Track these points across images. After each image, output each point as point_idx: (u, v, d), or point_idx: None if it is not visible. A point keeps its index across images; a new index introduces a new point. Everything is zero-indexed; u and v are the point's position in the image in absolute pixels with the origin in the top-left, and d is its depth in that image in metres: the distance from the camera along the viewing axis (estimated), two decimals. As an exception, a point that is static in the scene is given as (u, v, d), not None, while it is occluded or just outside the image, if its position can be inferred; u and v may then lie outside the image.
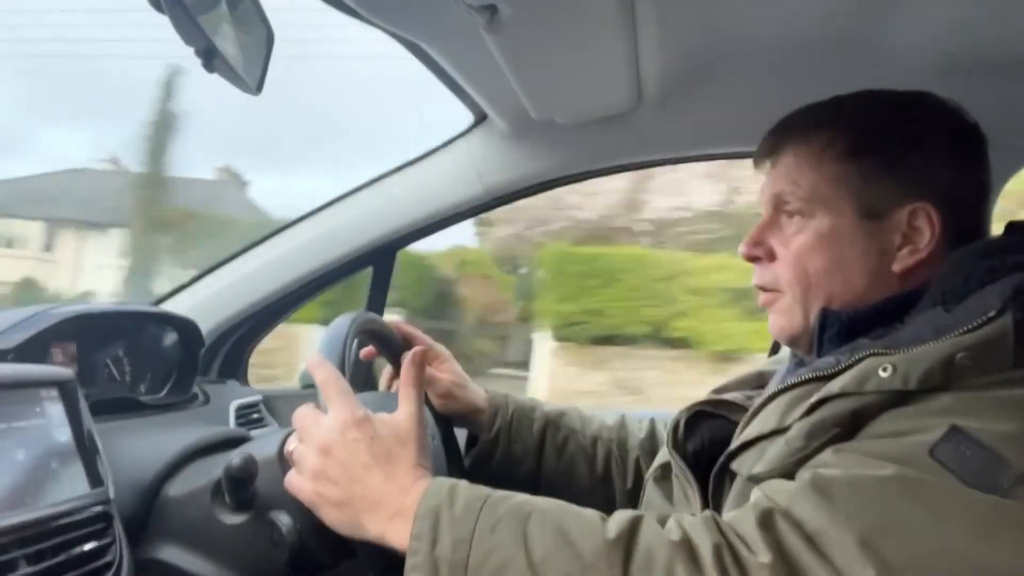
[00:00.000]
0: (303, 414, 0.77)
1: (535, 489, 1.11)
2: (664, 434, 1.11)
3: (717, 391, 0.97)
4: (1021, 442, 0.58)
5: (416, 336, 1.11)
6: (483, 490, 0.70)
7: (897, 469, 0.59)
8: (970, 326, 0.63)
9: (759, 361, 1.07)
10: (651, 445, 1.11)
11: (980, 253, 0.72)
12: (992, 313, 0.63)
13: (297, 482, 0.75)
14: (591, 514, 0.68)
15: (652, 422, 1.14)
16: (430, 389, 1.09)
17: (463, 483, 0.71)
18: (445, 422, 1.09)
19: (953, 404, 0.61)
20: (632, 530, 0.65)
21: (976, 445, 0.59)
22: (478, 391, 1.13)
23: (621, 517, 0.67)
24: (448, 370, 1.10)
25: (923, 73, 0.84)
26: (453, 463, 1.04)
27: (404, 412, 0.78)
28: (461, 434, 1.14)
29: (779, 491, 0.64)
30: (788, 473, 0.66)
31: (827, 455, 0.64)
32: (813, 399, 0.68)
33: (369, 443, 0.74)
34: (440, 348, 1.13)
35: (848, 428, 0.65)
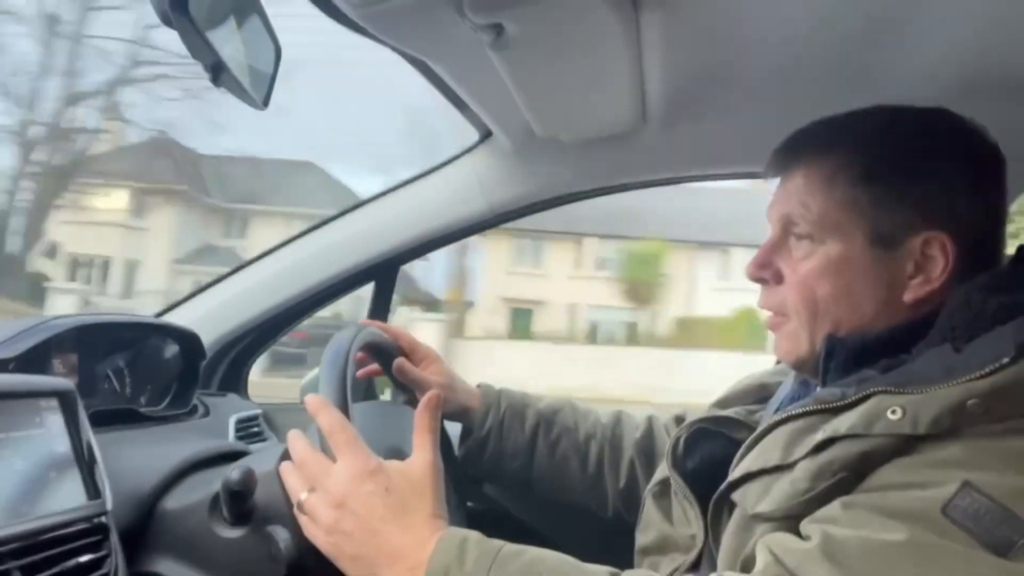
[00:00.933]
0: (310, 460, 0.76)
1: (527, 486, 1.12)
2: (662, 434, 1.11)
3: (718, 405, 0.97)
4: None
5: (402, 336, 1.10)
6: (493, 546, 0.70)
7: (909, 532, 0.58)
8: (982, 372, 0.61)
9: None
10: (647, 445, 1.10)
11: (990, 288, 0.70)
12: (1006, 360, 0.61)
13: (312, 531, 0.75)
14: (598, 572, 0.68)
15: (650, 420, 1.14)
16: (419, 392, 1.08)
17: (474, 538, 0.71)
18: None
19: (964, 455, 0.59)
20: None
21: (989, 501, 0.57)
22: (468, 389, 1.13)
23: None
24: (437, 371, 1.10)
25: (931, 94, 0.83)
26: (447, 460, 1.04)
27: (420, 460, 0.77)
28: (454, 426, 1.14)
29: (788, 551, 0.62)
30: (793, 515, 0.65)
31: (836, 509, 0.62)
32: (819, 436, 0.66)
33: (384, 495, 0.73)
34: (428, 349, 1.12)
35: (855, 472, 0.63)
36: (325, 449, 0.76)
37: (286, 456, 0.81)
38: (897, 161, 0.76)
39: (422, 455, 0.77)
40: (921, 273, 0.74)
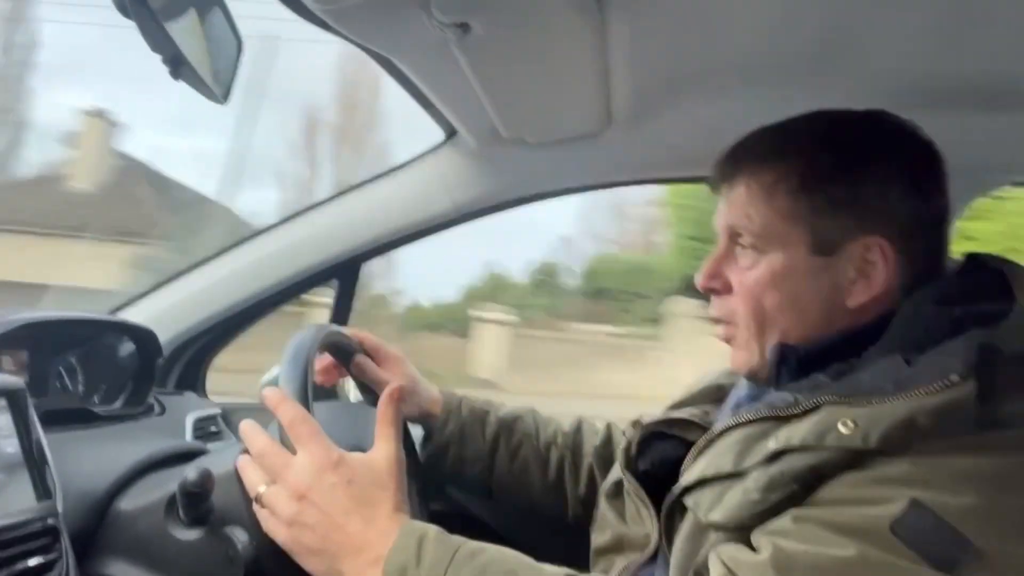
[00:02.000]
0: (269, 452, 0.75)
1: (488, 491, 1.12)
2: (621, 439, 1.11)
3: (674, 407, 0.97)
4: (980, 517, 0.58)
5: (368, 339, 1.09)
6: (451, 545, 0.70)
7: (858, 548, 0.59)
8: (932, 388, 0.62)
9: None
10: (606, 452, 1.11)
11: (940, 299, 0.71)
12: (955, 377, 0.62)
13: (271, 525, 0.74)
14: (556, 574, 0.69)
15: (609, 428, 1.14)
16: (381, 392, 1.08)
17: (432, 535, 0.71)
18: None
19: (913, 473, 0.60)
20: None
21: (936, 520, 0.58)
22: (431, 393, 1.12)
23: None
24: (400, 373, 1.09)
25: (893, 97, 0.85)
26: (410, 462, 1.04)
27: (382, 452, 0.77)
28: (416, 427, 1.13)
29: (740, 564, 0.63)
30: (745, 526, 0.66)
31: (787, 522, 0.63)
32: (771, 446, 0.66)
33: (347, 487, 0.73)
34: (392, 351, 1.12)
35: (806, 484, 0.64)
36: (284, 442, 0.76)
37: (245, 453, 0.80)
38: (834, 168, 0.77)
39: (384, 447, 0.77)
40: (862, 278, 0.75)
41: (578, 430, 1.15)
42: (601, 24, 0.88)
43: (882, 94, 0.86)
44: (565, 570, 0.69)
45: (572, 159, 1.35)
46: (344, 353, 1.06)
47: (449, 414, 1.11)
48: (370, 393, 1.09)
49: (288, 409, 0.76)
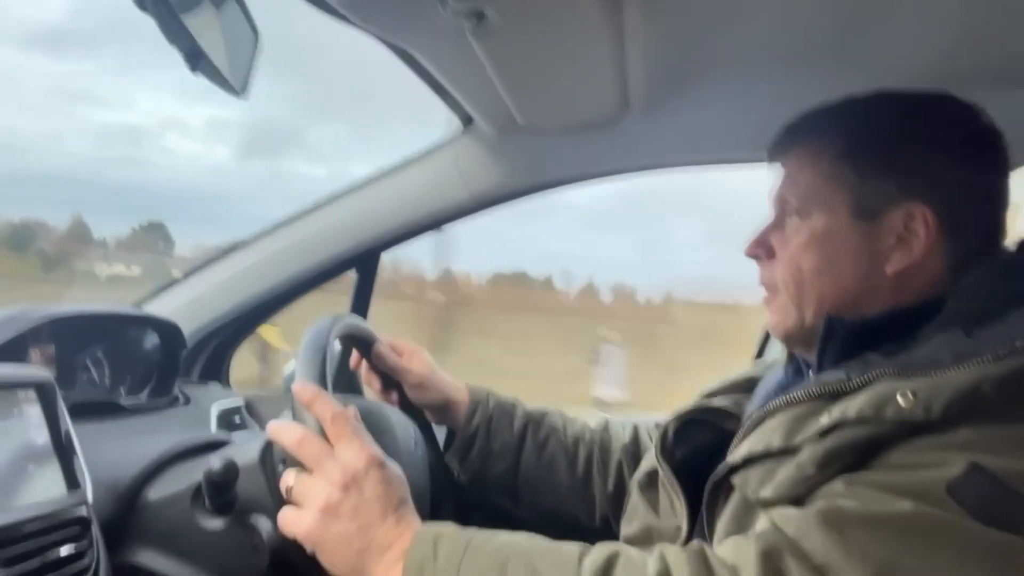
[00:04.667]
0: (310, 441, 0.75)
1: (514, 487, 1.10)
2: (647, 441, 1.10)
3: (707, 396, 0.96)
4: None
5: (387, 340, 1.09)
6: (464, 537, 0.71)
7: (914, 505, 0.57)
8: (995, 356, 0.60)
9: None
10: (635, 450, 1.10)
11: (1003, 273, 0.70)
12: (1020, 343, 0.61)
13: (294, 517, 0.74)
14: (568, 551, 0.68)
15: (635, 428, 1.13)
16: (403, 380, 1.08)
17: (447, 531, 0.72)
18: (422, 418, 1.09)
19: (974, 438, 0.59)
20: (607, 567, 0.65)
21: (996, 483, 0.57)
22: (454, 383, 1.12)
23: (597, 554, 0.67)
24: (419, 362, 1.09)
25: (911, 80, 0.84)
26: (435, 463, 1.04)
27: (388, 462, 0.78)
28: (439, 433, 1.13)
29: (787, 520, 0.62)
30: (798, 499, 0.64)
31: (839, 485, 0.62)
32: (825, 421, 0.65)
33: (388, 486, 0.74)
34: (411, 344, 1.12)
35: (862, 456, 0.63)
36: (323, 435, 0.76)
37: (268, 448, 0.81)
38: (881, 135, 0.77)
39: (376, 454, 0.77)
40: (903, 246, 0.74)
41: (605, 428, 1.14)
42: (617, 10, 0.87)
43: (900, 78, 0.85)
44: (580, 545, 0.69)
45: (589, 146, 1.34)
46: (363, 343, 1.06)
47: (477, 405, 1.10)
48: (389, 383, 1.10)
49: (326, 404, 0.76)
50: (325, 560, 0.73)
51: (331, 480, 0.73)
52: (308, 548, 0.73)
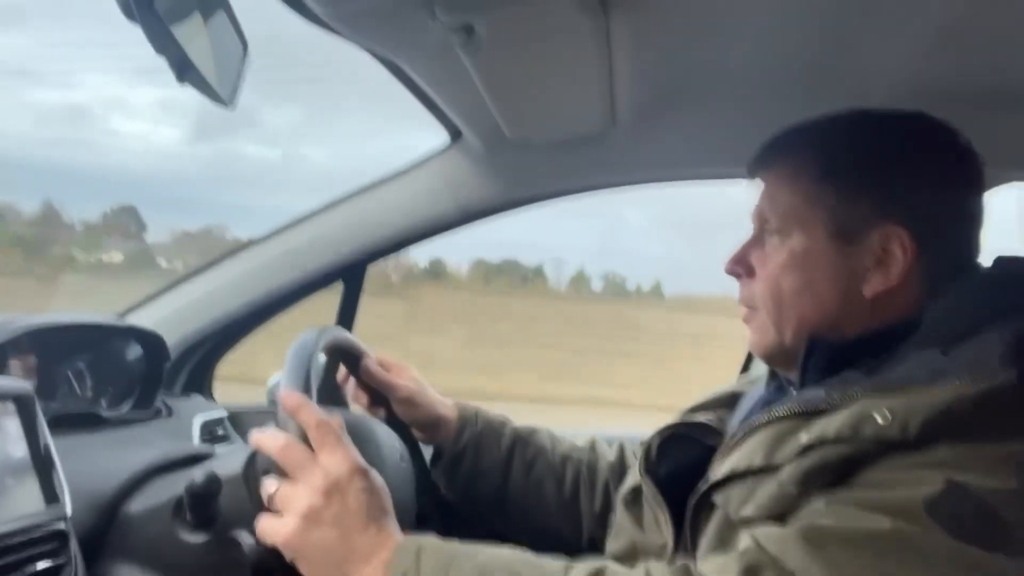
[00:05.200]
0: (293, 449, 0.74)
1: (501, 507, 1.09)
2: (632, 460, 1.10)
3: (690, 411, 0.97)
4: (1018, 499, 0.58)
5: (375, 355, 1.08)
6: (448, 551, 0.70)
7: (892, 522, 0.58)
8: (972, 375, 0.61)
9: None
10: (620, 468, 1.09)
11: (979, 291, 0.71)
12: (995, 364, 0.61)
13: (274, 524, 0.73)
14: (553, 566, 0.68)
15: (621, 446, 1.13)
16: (390, 395, 1.07)
17: (430, 543, 0.71)
18: (409, 435, 1.08)
19: (951, 457, 0.59)
20: None
21: (973, 501, 0.57)
22: (441, 399, 1.11)
23: (582, 570, 0.67)
24: (407, 377, 1.08)
25: (893, 99, 0.85)
26: (421, 480, 1.03)
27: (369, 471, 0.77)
28: (426, 452, 1.12)
29: (769, 538, 0.62)
30: (779, 517, 0.65)
31: (819, 504, 0.63)
32: (804, 439, 0.66)
33: (370, 495, 0.74)
34: (398, 362, 1.11)
35: (841, 474, 0.63)
36: (305, 443, 0.75)
37: (252, 460, 0.80)
38: (859, 155, 0.78)
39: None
40: (880, 268, 0.75)
41: (592, 448, 1.13)
42: (605, 26, 0.88)
43: (882, 97, 0.87)
44: (564, 561, 0.69)
45: (576, 161, 1.35)
46: (352, 357, 1.06)
47: (465, 423, 1.09)
48: (375, 397, 1.09)
49: (311, 412, 0.76)
50: (305, 569, 0.72)
51: (313, 487, 0.72)
52: (288, 556, 0.72)
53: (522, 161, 1.35)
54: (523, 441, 1.11)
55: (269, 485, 0.75)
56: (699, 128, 1.27)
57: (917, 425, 0.61)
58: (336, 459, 0.74)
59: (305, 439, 0.75)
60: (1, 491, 0.72)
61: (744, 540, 0.65)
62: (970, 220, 0.78)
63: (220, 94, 0.78)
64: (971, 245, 0.79)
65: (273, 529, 0.73)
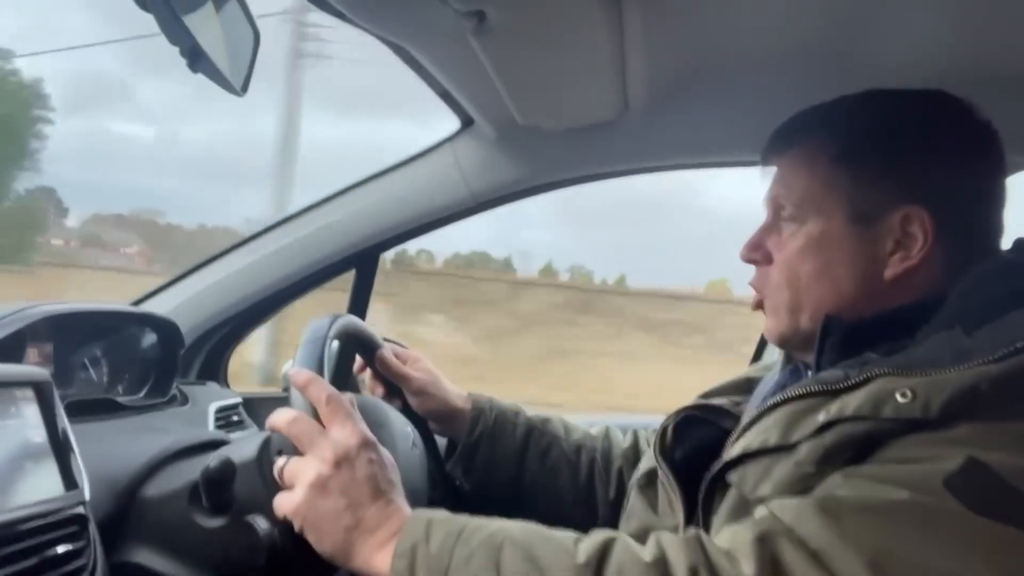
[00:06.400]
0: (302, 422, 0.75)
1: (516, 496, 1.10)
2: (646, 447, 1.10)
3: (704, 396, 0.96)
4: None
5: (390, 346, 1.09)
6: (458, 522, 0.70)
7: (910, 494, 0.58)
8: (995, 356, 0.61)
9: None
10: (634, 455, 1.09)
11: (1002, 273, 0.70)
12: (1020, 344, 0.60)
13: (286, 498, 0.74)
14: (564, 537, 0.68)
15: (635, 433, 1.13)
16: (405, 387, 1.08)
17: (440, 517, 0.71)
18: (424, 427, 1.08)
19: (972, 434, 0.59)
20: (603, 553, 0.64)
21: (993, 478, 0.57)
22: (455, 391, 1.11)
23: (593, 540, 0.66)
24: (421, 368, 1.09)
25: (907, 84, 0.84)
26: (435, 470, 1.04)
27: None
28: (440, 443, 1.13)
29: (784, 508, 0.62)
30: (795, 496, 0.64)
31: (836, 478, 0.62)
32: (822, 418, 0.65)
33: (380, 467, 0.74)
34: (413, 351, 1.12)
35: (860, 452, 0.63)
36: (315, 417, 0.76)
37: (266, 445, 0.81)
38: (875, 137, 0.76)
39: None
40: (900, 250, 0.74)
41: (606, 435, 1.14)
42: (617, 10, 0.87)
43: (898, 81, 0.85)
44: (573, 534, 0.69)
45: (588, 146, 1.34)
46: (367, 348, 1.06)
47: (479, 414, 1.09)
48: (390, 387, 1.10)
49: (320, 387, 0.76)
50: (313, 538, 0.72)
51: (322, 457, 0.73)
52: (297, 526, 0.73)
53: (534, 146, 1.35)
54: (537, 430, 1.11)
55: (280, 461, 0.76)
56: (712, 114, 1.26)
57: (940, 404, 0.60)
58: (345, 431, 0.74)
59: (316, 415, 0.76)
60: (21, 476, 0.73)
61: (759, 511, 0.64)
62: (991, 199, 0.77)
63: (233, 83, 0.79)
64: (992, 225, 0.77)
65: (283, 500, 0.74)
